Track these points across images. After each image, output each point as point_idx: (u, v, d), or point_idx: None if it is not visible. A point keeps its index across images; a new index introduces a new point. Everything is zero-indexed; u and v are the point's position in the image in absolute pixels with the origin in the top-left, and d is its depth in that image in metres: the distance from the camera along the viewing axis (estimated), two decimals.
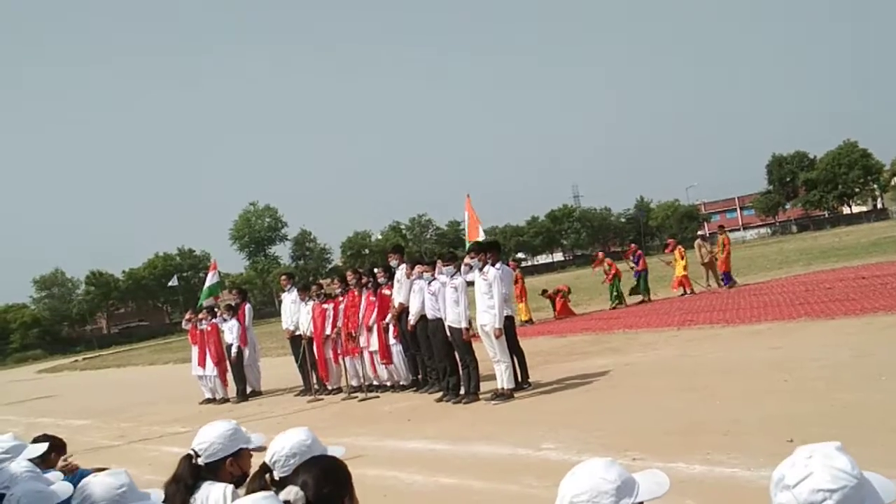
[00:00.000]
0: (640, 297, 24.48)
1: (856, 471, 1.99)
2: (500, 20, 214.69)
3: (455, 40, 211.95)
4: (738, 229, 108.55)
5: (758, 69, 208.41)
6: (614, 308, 23.83)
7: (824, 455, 2.01)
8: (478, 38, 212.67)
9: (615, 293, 24.46)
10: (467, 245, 14.10)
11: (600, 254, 28.64)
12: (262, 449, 3.65)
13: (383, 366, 13.92)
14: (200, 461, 3.55)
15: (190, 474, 3.53)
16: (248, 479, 3.36)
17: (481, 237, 14.32)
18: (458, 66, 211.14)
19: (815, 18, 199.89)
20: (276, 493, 2.87)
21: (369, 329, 13.89)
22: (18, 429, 13.27)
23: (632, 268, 24.90)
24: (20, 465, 3.70)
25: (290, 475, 2.98)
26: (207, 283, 18.81)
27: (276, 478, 3.19)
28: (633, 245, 26.86)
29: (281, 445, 3.26)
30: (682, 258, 24.89)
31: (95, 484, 3.05)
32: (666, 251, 26.18)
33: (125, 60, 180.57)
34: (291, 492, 2.81)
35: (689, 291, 24.64)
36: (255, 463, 3.73)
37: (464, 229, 14.03)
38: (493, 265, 11.46)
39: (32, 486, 3.24)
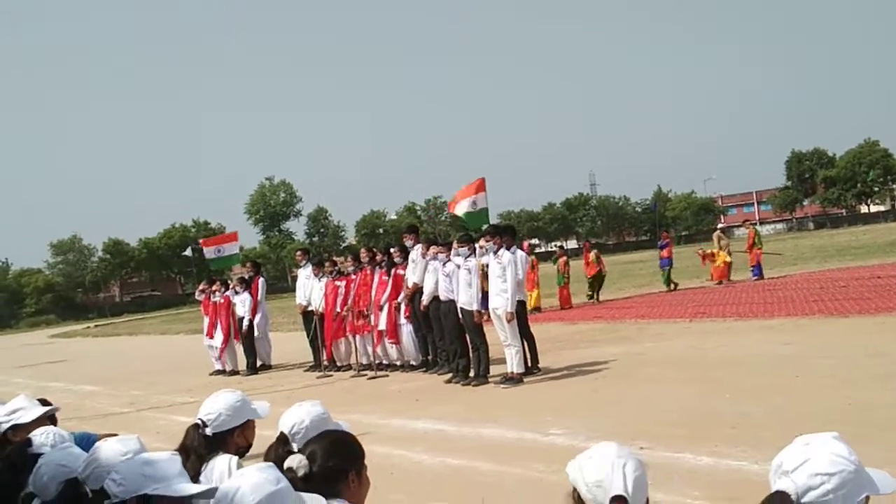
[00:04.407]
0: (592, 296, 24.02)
1: (853, 457, 2.03)
2: (520, 6, 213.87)
3: (475, 23, 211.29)
4: (755, 224, 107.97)
5: (780, 65, 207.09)
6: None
7: (821, 442, 2.06)
8: (499, 21, 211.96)
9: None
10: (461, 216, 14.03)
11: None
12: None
13: (392, 345, 13.95)
14: (208, 431, 3.55)
15: (200, 444, 3.53)
16: (266, 449, 3.35)
17: (460, 211, 14.09)
18: (480, 49, 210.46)
19: (839, 16, 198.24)
20: None
21: (380, 308, 13.91)
22: (29, 392, 13.35)
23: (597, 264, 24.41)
24: (52, 436, 3.74)
25: (303, 446, 2.99)
26: (227, 252, 18.85)
27: (295, 449, 3.19)
28: (587, 243, 26.50)
29: (300, 418, 3.27)
30: (722, 250, 24.99)
31: (104, 449, 3.07)
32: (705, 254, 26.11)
33: (147, 31, 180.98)
34: (295, 459, 2.82)
35: (720, 281, 24.71)
36: (260, 433, 3.75)
37: (474, 212, 13.74)
38: (507, 249, 11.45)
39: (57, 457, 3.27)
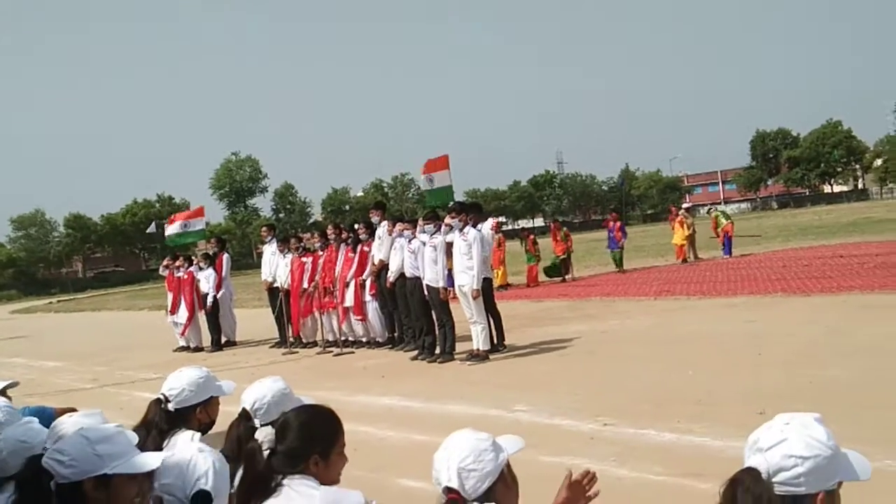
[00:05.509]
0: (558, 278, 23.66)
1: (831, 442, 2.00)
2: None
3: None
4: (720, 203, 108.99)
5: (746, 45, 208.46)
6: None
7: (802, 424, 2.03)
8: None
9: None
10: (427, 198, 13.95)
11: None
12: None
13: (358, 321, 13.91)
14: (171, 406, 3.51)
15: (162, 420, 3.49)
16: (229, 426, 3.33)
17: (424, 185, 14.03)
18: (448, 25, 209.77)
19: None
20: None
21: (346, 285, 13.86)
22: None
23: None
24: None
25: (275, 421, 2.97)
26: (193, 228, 18.67)
27: (258, 425, 3.18)
28: (556, 222, 26.17)
29: (262, 394, 3.28)
30: (682, 226, 25.00)
31: (68, 425, 3.02)
32: (669, 219, 26.24)
33: (114, 6, 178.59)
34: (263, 433, 2.81)
35: (682, 260, 24.93)
36: (224, 410, 3.73)
37: (437, 189, 13.69)
38: (473, 226, 11.43)
39: (17, 433, 3.19)
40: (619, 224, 24.68)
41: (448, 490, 2.35)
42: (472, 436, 2.47)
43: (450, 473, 2.36)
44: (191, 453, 2.58)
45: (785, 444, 2.00)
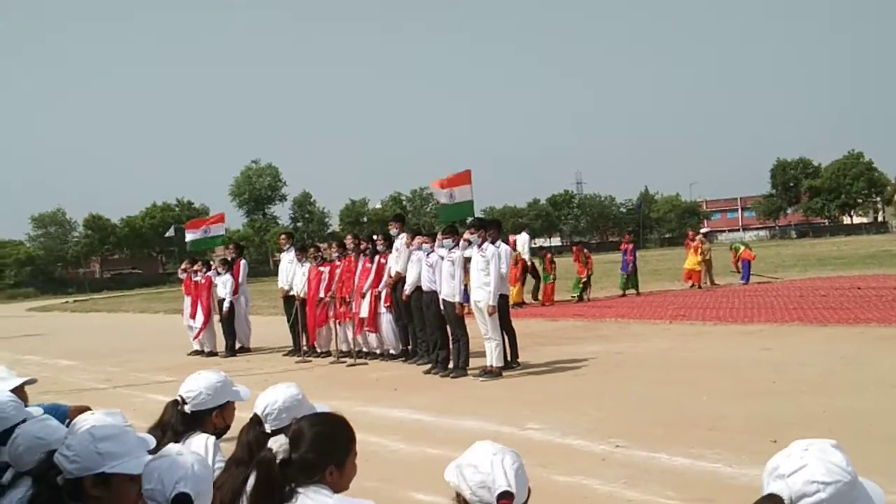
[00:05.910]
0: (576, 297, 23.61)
1: (850, 468, 2.01)
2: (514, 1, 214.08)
3: (466, 14, 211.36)
4: (738, 230, 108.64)
5: (770, 74, 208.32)
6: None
7: (820, 449, 2.03)
8: (490, 14, 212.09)
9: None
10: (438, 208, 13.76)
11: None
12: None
13: (370, 333, 13.92)
14: (187, 409, 3.52)
15: (178, 421, 3.50)
16: (240, 430, 3.34)
17: (443, 199, 13.84)
18: (472, 41, 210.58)
19: (828, 29, 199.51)
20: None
21: (362, 295, 13.87)
22: (4, 364, 13.19)
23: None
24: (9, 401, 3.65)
25: (287, 427, 2.97)
26: (213, 233, 18.73)
27: (269, 430, 3.18)
28: (580, 246, 26.12)
29: (274, 399, 3.27)
30: (696, 252, 24.95)
31: (90, 421, 3.03)
32: (686, 242, 26.24)
33: (134, 8, 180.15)
34: (277, 442, 2.80)
35: (695, 285, 24.89)
36: (237, 416, 3.74)
37: (450, 204, 13.56)
38: (492, 243, 11.44)
39: (33, 429, 3.20)
40: (630, 247, 24.67)
41: (504, 495, 2.30)
42: (501, 446, 2.46)
43: (509, 478, 2.32)
44: (169, 457, 2.59)
45: (806, 469, 1.99)
